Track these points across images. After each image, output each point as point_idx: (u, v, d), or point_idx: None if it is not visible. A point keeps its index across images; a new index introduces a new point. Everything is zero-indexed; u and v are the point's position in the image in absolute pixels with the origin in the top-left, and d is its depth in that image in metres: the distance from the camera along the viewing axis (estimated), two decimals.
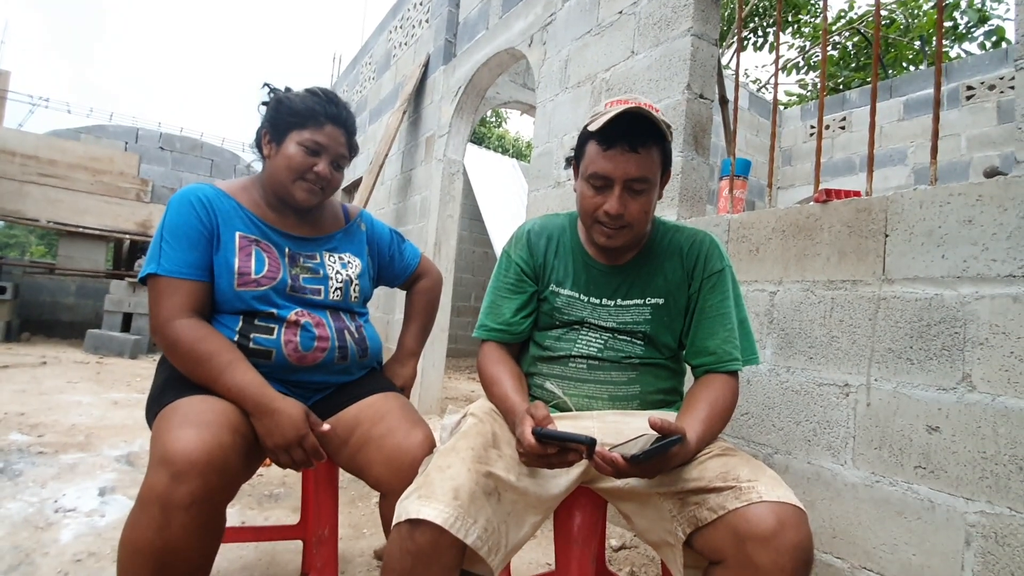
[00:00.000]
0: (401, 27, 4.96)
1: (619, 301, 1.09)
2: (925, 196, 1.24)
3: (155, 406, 1.03)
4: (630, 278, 1.10)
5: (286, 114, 1.15)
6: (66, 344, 5.65)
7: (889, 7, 7.58)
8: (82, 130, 7.44)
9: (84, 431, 2.64)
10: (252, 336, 1.10)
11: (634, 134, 0.96)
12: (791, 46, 8.79)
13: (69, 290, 6.41)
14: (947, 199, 1.20)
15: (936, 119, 1.32)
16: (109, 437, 2.58)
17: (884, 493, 1.26)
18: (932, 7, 6.32)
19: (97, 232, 5.96)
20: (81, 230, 5.86)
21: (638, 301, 1.09)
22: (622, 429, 1.02)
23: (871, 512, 1.28)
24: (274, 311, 1.12)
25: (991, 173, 1.20)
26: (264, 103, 1.19)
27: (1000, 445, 1.09)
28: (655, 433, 0.85)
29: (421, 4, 4.53)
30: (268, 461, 1.06)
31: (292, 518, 1.85)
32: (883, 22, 7.58)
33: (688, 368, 1.14)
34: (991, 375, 1.12)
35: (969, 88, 4.87)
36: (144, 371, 4.48)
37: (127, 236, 6.25)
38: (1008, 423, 1.09)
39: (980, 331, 1.14)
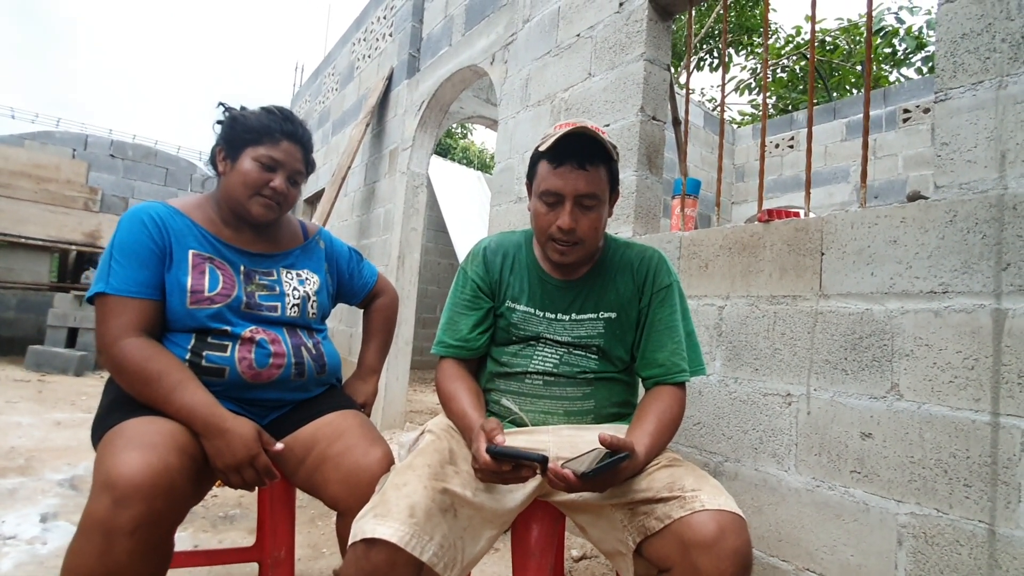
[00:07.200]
0: (365, 39, 4.96)
1: (573, 315, 1.13)
2: (855, 218, 1.33)
3: (100, 428, 1.00)
4: (583, 293, 1.13)
5: (241, 131, 1.15)
6: (5, 361, 5.34)
7: (832, 33, 8.02)
8: (27, 136, 7.12)
9: (24, 454, 2.51)
10: (204, 354, 1.08)
11: (582, 153, 1.01)
12: (744, 67, 9.18)
13: (9, 304, 6.07)
14: (875, 220, 1.29)
15: (865, 146, 1.42)
16: (51, 460, 2.46)
17: (824, 497, 1.33)
18: (872, 34, 6.71)
19: (40, 243, 5.68)
20: (23, 240, 5.58)
21: (591, 315, 1.12)
22: (577, 443, 1.04)
23: (813, 515, 1.34)
24: (228, 328, 1.11)
25: (913, 197, 1.30)
26: (219, 122, 1.19)
27: (926, 450, 1.17)
28: (605, 448, 0.88)
29: (385, 18, 4.54)
30: (220, 482, 1.04)
31: (248, 540, 1.81)
32: (827, 48, 8.00)
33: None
34: (916, 384, 1.20)
35: (906, 111, 5.19)
36: (91, 389, 4.28)
37: (73, 247, 5.97)
38: (933, 429, 1.17)
39: (906, 343, 1.22)
